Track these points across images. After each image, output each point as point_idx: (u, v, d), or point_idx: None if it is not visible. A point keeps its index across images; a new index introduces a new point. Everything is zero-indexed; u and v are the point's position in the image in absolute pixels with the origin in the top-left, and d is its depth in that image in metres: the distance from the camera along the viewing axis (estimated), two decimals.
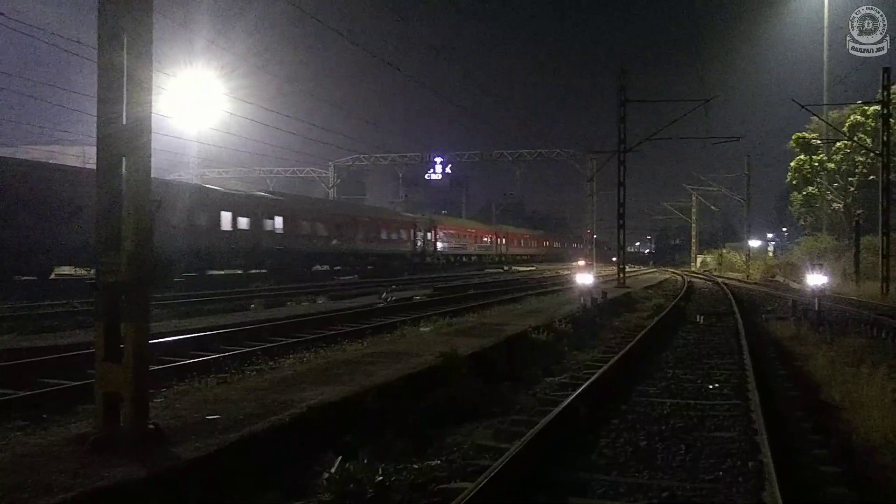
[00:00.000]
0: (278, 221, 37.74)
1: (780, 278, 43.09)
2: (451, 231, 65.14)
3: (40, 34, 29.49)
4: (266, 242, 36.34)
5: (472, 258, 68.91)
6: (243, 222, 34.91)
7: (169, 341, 11.65)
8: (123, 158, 5.13)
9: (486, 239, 74.11)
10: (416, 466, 5.86)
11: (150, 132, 5.24)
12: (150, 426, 5.09)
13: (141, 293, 5.10)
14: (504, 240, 79.03)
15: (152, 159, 5.28)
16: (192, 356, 11.09)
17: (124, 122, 5.12)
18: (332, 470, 5.13)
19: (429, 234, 57.98)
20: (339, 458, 5.29)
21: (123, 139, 5.11)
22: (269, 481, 5.27)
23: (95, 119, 5.16)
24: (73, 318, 16.40)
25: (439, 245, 60.53)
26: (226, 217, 33.67)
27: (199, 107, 48.12)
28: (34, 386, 8.91)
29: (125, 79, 5.10)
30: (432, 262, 57.28)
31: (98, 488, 4.14)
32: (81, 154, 46.19)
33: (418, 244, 55.71)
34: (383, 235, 50.34)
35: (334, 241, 43.31)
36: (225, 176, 63.89)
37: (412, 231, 55.00)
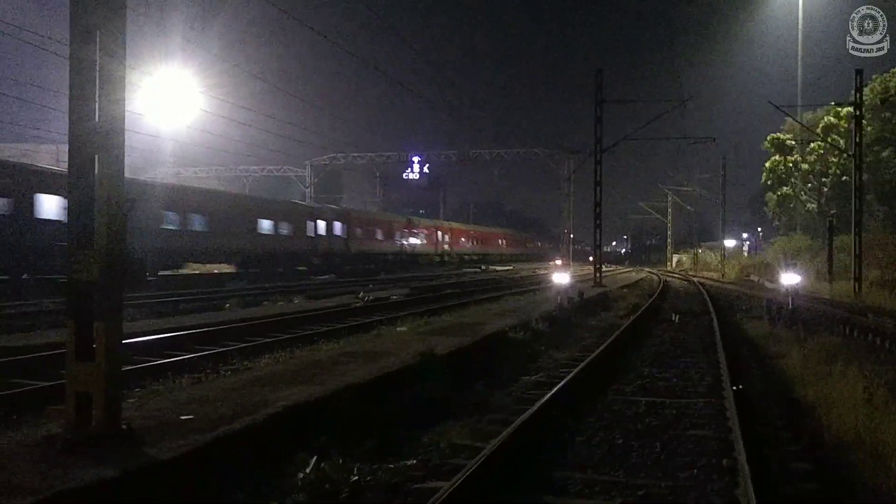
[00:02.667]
0: (52, 203, 24.51)
1: (754, 278, 43.42)
2: (372, 224, 54.40)
3: (10, 30, 28.79)
4: (36, 234, 23.78)
5: (403, 257, 58.47)
6: None
7: (142, 341, 11.54)
8: (96, 156, 5.08)
9: (422, 235, 64.23)
10: (392, 466, 5.85)
11: (124, 130, 5.19)
12: (123, 426, 5.04)
13: (114, 292, 5.05)
14: (448, 236, 70.16)
15: (126, 157, 5.23)
16: (166, 356, 11.01)
17: (97, 120, 5.07)
18: (307, 470, 5.11)
19: (336, 228, 46.98)
20: (314, 458, 5.26)
21: (96, 137, 5.06)
22: (244, 482, 5.23)
23: (68, 117, 5.11)
24: (45, 317, 16.22)
25: (357, 242, 49.94)
26: None
27: (175, 105, 47.70)
28: (5, 386, 8.80)
29: (98, 76, 5.05)
30: (340, 263, 46.43)
31: (68, 489, 4.08)
32: (55, 152, 45.71)
33: (319, 240, 44.39)
34: (255, 227, 38.15)
35: (165, 234, 30.37)
36: (201, 175, 63.46)
37: (311, 224, 43.87)
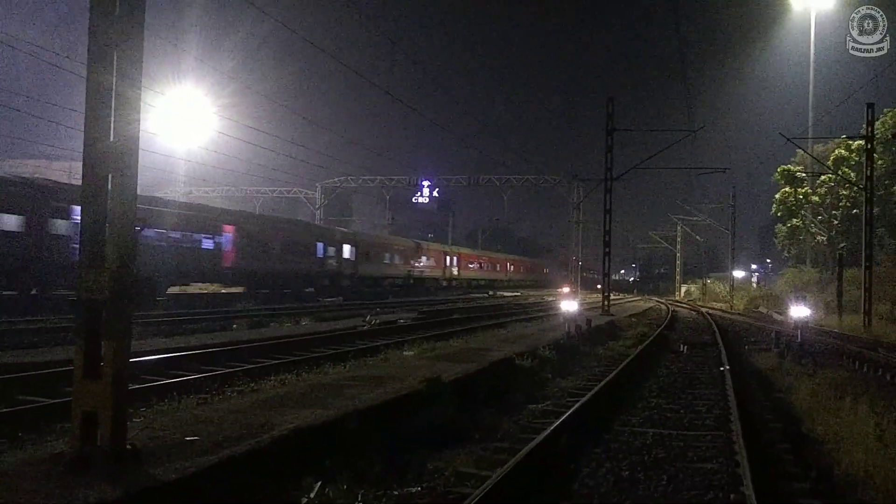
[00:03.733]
0: (321, 247, 43.29)
1: (763, 309, 43.24)
2: (471, 259, 73.00)
3: (26, 47, 29.10)
4: (315, 265, 42.30)
5: (485, 282, 73.90)
6: None
7: (149, 360, 11.54)
8: (110, 176, 5.10)
9: (496, 266, 79.27)
10: (396, 493, 5.81)
11: (138, 151, 5.21)
12: (128, 446, 5.02)
13: (123, 311, 5.04)
14: (511, 266, 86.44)
15: (139, 177, 5.25)
16: (173, 376, 10.99)
17: (112, 140, 5.10)
18: (312, 495, 5.07)
19: (454, 262, 64.98)
20: (319, 483, 5.23)
21: (110, 157, 5.08)
22: None
23: (82, 134, 5.13)
24: (53, 334, 16.24)
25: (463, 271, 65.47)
26: None
27: (188, 125, 47.98)
28: (11, 403, 8.79)
29: (114, 97, 5.08)
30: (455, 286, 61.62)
31: None
32: (67, 169, 45.99)
33: (445, 270, 62.99)
34: (417, 262, 57.74)
35: (381, 266, 49.17)
36: (212, 195, 63.65)
37: (444, 258, 62.19)
